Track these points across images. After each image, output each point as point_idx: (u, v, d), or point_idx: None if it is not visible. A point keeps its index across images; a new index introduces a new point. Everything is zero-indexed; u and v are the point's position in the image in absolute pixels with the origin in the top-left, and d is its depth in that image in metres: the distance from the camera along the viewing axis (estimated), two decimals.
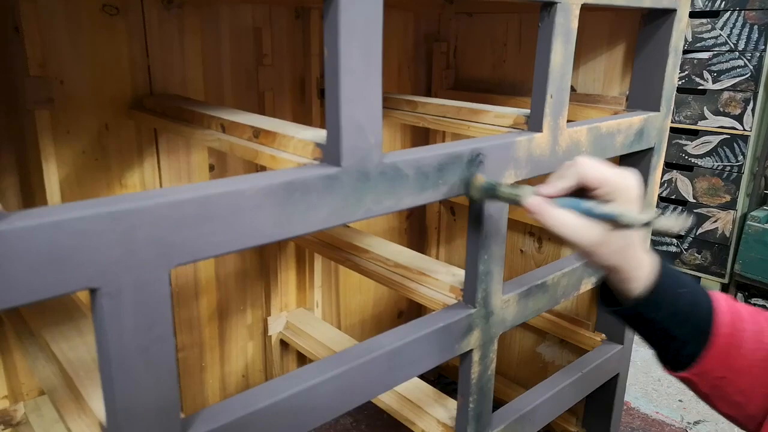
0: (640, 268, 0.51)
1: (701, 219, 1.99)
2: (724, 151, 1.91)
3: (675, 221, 0.46)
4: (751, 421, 0.51)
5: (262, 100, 1.07)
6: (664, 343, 0.53)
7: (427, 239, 1.48)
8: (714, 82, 1.89)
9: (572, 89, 1.10)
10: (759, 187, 1.98)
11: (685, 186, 2.02)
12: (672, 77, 0.95)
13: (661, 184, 2.05)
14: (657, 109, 0.95)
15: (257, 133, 0.66)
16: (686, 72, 1.94)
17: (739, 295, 2.00)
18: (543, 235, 1.25)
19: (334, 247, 1.01)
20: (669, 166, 2.03)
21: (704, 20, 1.89)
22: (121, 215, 0.41)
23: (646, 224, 0.47)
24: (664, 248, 2.09)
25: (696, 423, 1.41)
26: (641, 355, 1.69)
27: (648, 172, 0.97)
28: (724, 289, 1.98)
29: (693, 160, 1.97)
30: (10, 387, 0.91)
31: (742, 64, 1.83)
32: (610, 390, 1.10)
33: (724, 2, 1.85)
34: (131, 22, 0.89)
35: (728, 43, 1.85)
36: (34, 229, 0.37)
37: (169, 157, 0.98)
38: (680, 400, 1.50)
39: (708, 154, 1.94)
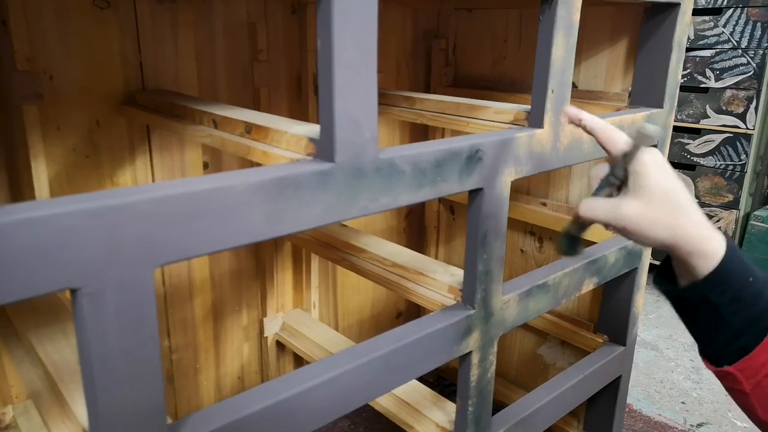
0: (705, 241, 0.48)
1: None
2: (727, 150, 1.89)
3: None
4: None
5: (257, 96, 1.05)
6: (715, 332, 0.49)
7: (427, 239, 1.46)
8: (716, 80, 1.87)
9: (573, 86, 1.08)
10: (762, 187, 1.96)
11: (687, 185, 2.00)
12: (675, 73, 0.94)
13: None
14: (660, 105, 0.94)
15: (249, 129, 0.64)
16: (688, 70, 1.92)
17: None
18: (544, 235, 1.23)
19: (331, 247, 0.99)
20: (671, 165, 2.01)
21: (706, 17, 1.87)
22: (103, 212, 0.39)
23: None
24: None
25: (699, 425, 1.39)
26: (643, 356, 1.67)
27: None
28: None
29: (695, 159, 1.96)
30: None
31: (745, 62, 1.81)
32: (612, 392, 1.08)
33: None
34: (122, 16, 0.87)
35: (731, 41, 1.83)
36: (9, 226, 0.36)
37: (162, 154, 0.96)
38: (683, 402, 1.48)
39: (710, 153, 1.93)
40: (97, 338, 0.40)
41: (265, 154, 0.60)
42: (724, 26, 1.84)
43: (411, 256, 0.91)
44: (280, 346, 1.24)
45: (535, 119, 0.73)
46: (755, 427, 0.51)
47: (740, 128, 1.85)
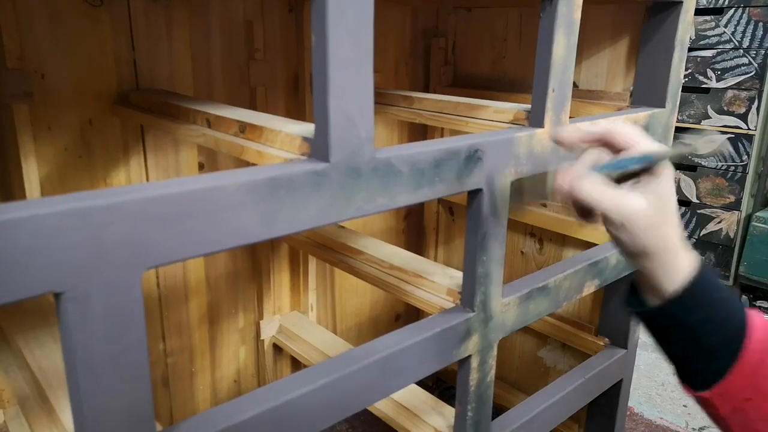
0: (679, 257, 0.47)
1: (705, 220, 1.96)
2: (729, 151, 1.88)
3: (709, 141, 0.45)
4: None
5: (254, 95, 1.04)
6: (689, 353, 0.48)
7: (426, 240, 1.45)
8: (718, 80, 1.86)
9: (574, 85, 1.07)
10: (764, 188, 1.95)
11: (688, 186, 1.99)
12: (678, 72, 0.92)
13: None
14: (662, 105, 0.92)
15: (243, 128, 0.63)
16: (690, 70, 1.91)
17: (744, 297, 1.97)
18: (544, 236, 1.21)
19: (328, 248, 0.98)
20: (672, 165, 1.99)
21: (708, 17, 1.86)
22: (88, 213, 0.38)
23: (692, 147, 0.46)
24: None
25: (701, 429, 1.38)
26: (645, 359, 1.66)
27: None
28: None
29: (696, 160, 1.94)
30: None
31: (747, 62, 1.79)
32: (613, 396, 1.07)
33: None
34: (116, 13, 0.85)
35: (732, 41, 1.82)
36: None
37: (157, 154, 0.94)
38: (685, 406, 1.46)
39: (712, 153, 1.91)
40: (83, 344, 0.39)
41: (260, 154, 0.58)
42: (726, 26, 1.83)
43: (409, 258, 0.90)
44: (277, 349, 1.22)
45: (535, 119, 0.72)
46: None
47: (742, 129, 1.84)
